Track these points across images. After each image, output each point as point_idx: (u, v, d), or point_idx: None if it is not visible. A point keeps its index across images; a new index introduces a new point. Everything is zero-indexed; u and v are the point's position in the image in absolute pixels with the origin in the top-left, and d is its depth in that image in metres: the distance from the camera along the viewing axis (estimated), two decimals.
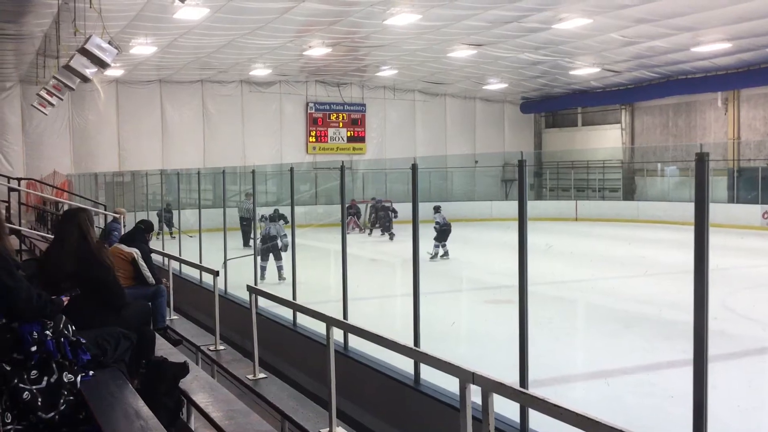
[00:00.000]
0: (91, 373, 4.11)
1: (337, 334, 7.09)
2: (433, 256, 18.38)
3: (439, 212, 19.19)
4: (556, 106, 36.99)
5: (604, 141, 35.12)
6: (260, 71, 28.66)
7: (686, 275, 3.98)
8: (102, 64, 12.14)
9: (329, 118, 33.60)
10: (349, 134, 34.15)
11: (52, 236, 5.32)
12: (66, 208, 21.35)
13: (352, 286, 8.44)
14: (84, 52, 11.82)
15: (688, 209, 3.91)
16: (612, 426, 3.16)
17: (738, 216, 26.18)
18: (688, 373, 4.03)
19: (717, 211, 22.54)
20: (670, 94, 30.65)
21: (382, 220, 25.18)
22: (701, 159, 3.88)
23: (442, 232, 18.85)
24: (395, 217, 24.66)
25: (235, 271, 12.40)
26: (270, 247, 15.47)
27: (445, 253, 18.90)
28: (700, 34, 22.11)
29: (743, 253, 18.71)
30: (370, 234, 26.04)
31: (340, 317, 7.42)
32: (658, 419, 6.86)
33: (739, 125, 29.15)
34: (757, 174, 28.35)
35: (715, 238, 4.02)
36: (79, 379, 3.95)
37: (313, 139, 33.39)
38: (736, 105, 29.18)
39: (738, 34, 22.02)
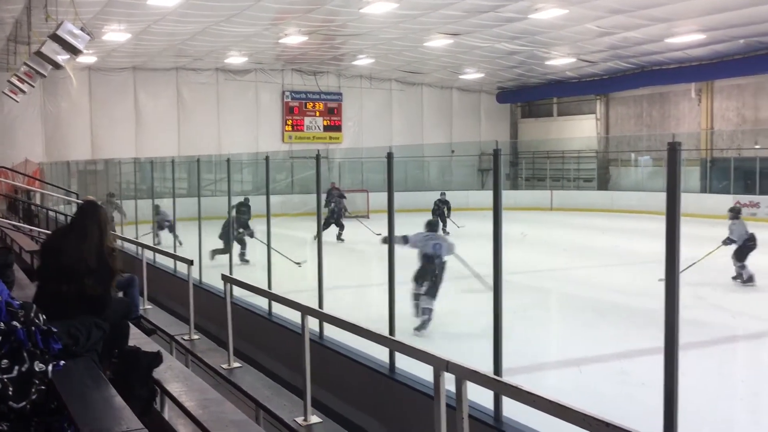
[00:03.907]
0: (62, 362, 4.07)
1: (313, 324, 7.09)
2: (736, 277, 13.64)
3: (738, 218, 13.86)
4: (532, 97, 37.15)
5: (579, 131, 35.33)
6: (236, 59, 28.46)
7: (659, 264, 4.02)
8: (74, 51, 11.99)
9: (305, 106, 33.48)
10: (325, 123, 34.05)
11: (70, 227, 5.17)
12: (38, 197, 21.15)
13: (329, 275, 8.43)
14: (56, 38, 11.68)
15: (662, 199, 3.94)
16: (583, 412, 3.19)
17: (710, 206, 26.47)
18: (661, 360, 4.07)
19: (689, 200, 22.81)
20: (645, 85, 30.92)
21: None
22: (673, 148, 3.91)
23: (742, 249, 13.59)
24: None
25: (210, 261, 12.35)
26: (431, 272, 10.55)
27: (749, 279, 13.47)
28: (674, 25, 22.31)
29: (715, 243, 18.92)
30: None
31: (316, 306, 7.41)
32: (630, 406, 6.94)
33: (712, 116, 29.47)
34: (729, 164, 28.71)
35: (687, 228, 4.07)
36: (50, 368, 3.90)
37: (290, 128, 33.26)
38: (709, 96, 29.49)
39: (711, 25, 22.23)
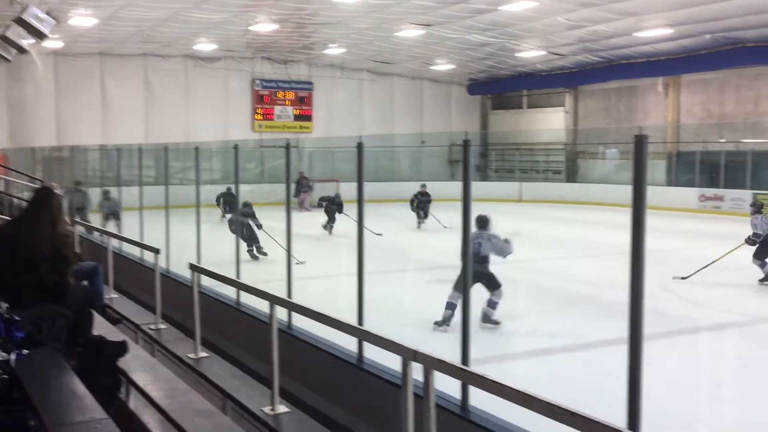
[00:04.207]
0: (25, 351, 4.01)
1: (282, 313, 7.06)
2: (764, 279, 12.78)
3: (761, 213, 13.07)
4: (502, 88, 37.29)
5: (549, 123, 35.60)
6: (205, 46, 28.14)
7: (625, 256, 4.06)
8: (39, 35, 11.81)
9: (276, 95, 33.27)
10: (296, 112, 33.87)
11: (23, 215, 5.11)
12: (2, 184, 20.72)
13: (298, 264, 8.40)
14: (21, 22, 11.49)
15: (628, 191, 3.97)
16: (549, 401, 3.22)
17: (676, 199, 26.90)
18: (626, 351, 4.12)
19: (655, 193, 23.05)
20: (613, 79, 31.20)
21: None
22: (640, 141, 3.95)
23: (764, 247, 12.69)
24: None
25: (177, 249, 12.22)
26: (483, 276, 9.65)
27: None
28: (643, 19, 22.54)
29: (680, 235, 19.22)
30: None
31: (285, 296, 7.39)
32: (595, 396, 7.02)
33: (679, 110, 29.86)
34: (694, 158, 29.15)
35: (652, 220, 4.10)
36: (13, 357, 3.85)
37: (260, 117, 33.03)
38: (676, 90, 29.87)
39: (679, 20, 22.50)
